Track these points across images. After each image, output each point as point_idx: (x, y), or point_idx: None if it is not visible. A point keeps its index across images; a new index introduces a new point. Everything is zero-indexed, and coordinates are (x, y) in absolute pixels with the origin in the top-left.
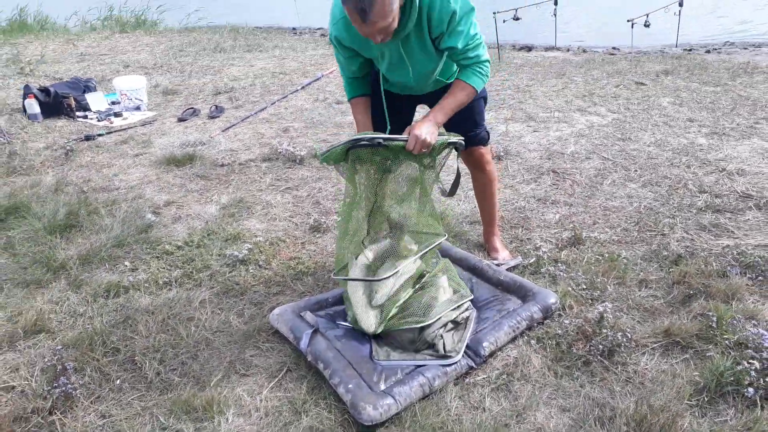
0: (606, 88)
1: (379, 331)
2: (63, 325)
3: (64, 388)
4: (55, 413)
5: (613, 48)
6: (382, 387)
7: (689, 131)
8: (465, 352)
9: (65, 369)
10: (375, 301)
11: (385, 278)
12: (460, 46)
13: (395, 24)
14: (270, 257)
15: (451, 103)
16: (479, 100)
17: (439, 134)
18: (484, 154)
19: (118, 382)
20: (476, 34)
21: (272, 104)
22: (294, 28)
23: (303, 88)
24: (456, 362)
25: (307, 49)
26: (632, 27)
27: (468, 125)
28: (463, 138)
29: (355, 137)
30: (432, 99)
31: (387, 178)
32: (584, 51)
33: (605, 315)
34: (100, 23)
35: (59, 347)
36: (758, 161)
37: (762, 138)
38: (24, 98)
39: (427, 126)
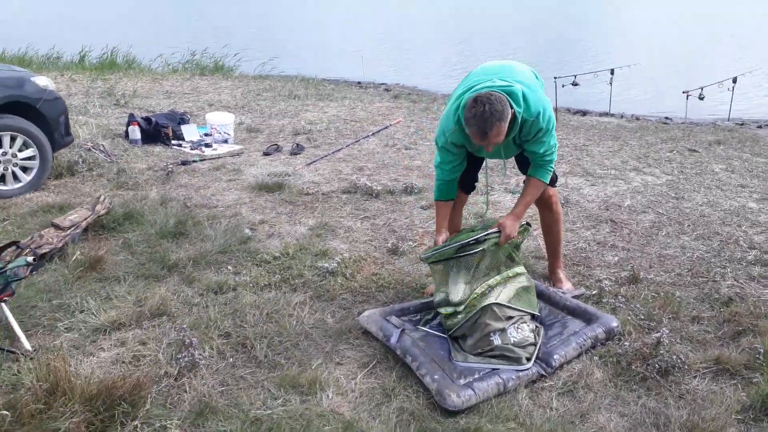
0: (660, 153)
1: (464, 303)
2: (181, 311)
3: (191, 357)
4: (184, 377)
5: (666, 118)
6: (462, 382)
7: (740, 195)
8: (537, 362)
9: (191, 343)
10: (466, 279)
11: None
12: (540, 152)
13: (503, 138)
14: (355, 271)
15: (528, 199)
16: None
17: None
18: (552, 195)
19: (232, 360)
20: (554, 144)
21: (347, 146)
22: (359, 82)
23: (374, 134)
24: (528, 368)
25: (374, 101)
26: (687, 99)
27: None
28: (529, 223)
29: (461, 242)
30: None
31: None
32: (637, 119)
33: (662, 340)
34: (181, 66)
35: (184, 326)
36: None
37: None
38: (128, 125)
39: (513, 222)
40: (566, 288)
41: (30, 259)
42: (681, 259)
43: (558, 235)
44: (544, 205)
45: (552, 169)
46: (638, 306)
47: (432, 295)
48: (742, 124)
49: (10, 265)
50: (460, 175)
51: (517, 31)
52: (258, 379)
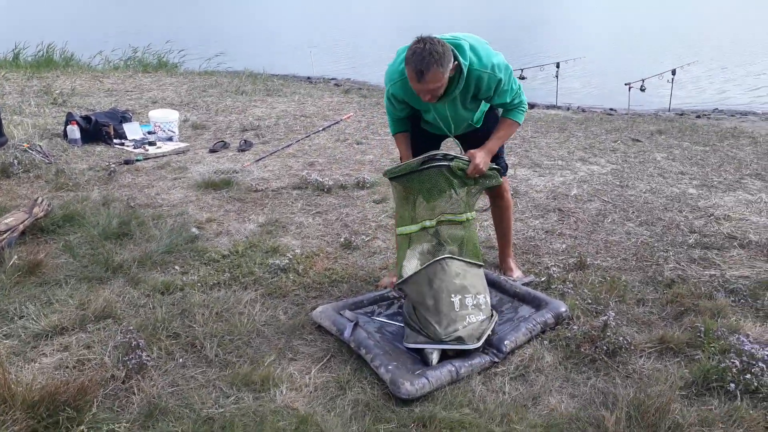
0: (605, 143)
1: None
2: (127, 313)
3: (138, 360)
4: (132, 379)
5: (611, 109)
6: (416, 372)
7: (681, 182)
8: (488, 349)
9: (138, 345)
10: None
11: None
12: (508, 100)
13: (442, 90)
14: (307, 267)
15: (502, 135)
16: None
17: None
18: (503, 182)
19: (181, 360)
20: (518, 85)
21: (297, 141)
22: (309, 77)
23: (324, 129)
24: (476, 348)
25: (324, 96)
26: (629, 90)
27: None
28: (499, 168)
29: (428, 154)
30: (460, 137)
31: (441, 199)
32: (583, 110)
33: (609, 322)
34: (123, 63)
35: (131, 328)
36: (743, 210)
37: (746, 191)
38: (66, 124)
39: (485, 154)
40: (516, 276)
41: None
42: (626, 245)
43: (509, 224)
44: (496, 193)
45: (525, 110)
46: (586, 291)
47: (385, 287)
48: (681, 114)
49: None
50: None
51: (465, 24)
52: (209, 378)
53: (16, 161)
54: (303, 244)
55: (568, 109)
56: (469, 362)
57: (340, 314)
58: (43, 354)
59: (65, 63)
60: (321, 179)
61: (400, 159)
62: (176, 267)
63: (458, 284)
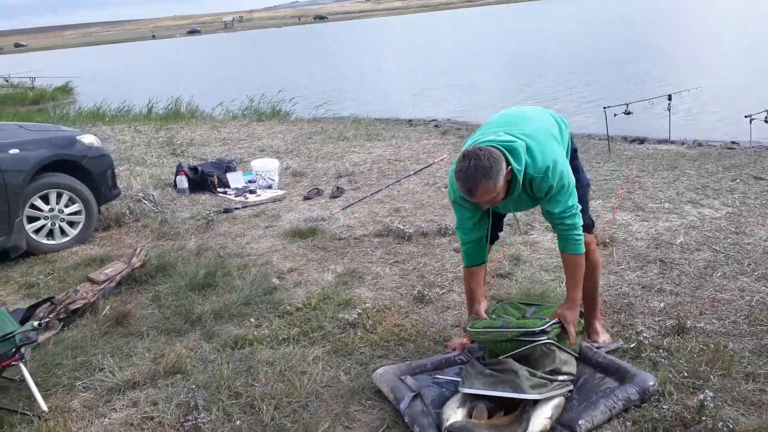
0: (721, 182)
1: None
2: (196, 369)
3: (194, 422)
4: None
5: (732, 142)
6: None
7: None
8: (560, 430)
9: (197, 405)
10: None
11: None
12: (556, 211)
13: (501, 197)
14: (376, 323)
15: (577, 277)
16: (583, 187)
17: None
18: (589, 242)
19: (238, 422)
20: (573, 205)
21: (386, 187)
22: (410, 120)
23: (415, 173)
24: (531, 398)
25: (421, 138)
26: (750, 123)
27: None
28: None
29: (523, 330)
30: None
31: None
32: (699, 144)
33: (706, 403)
34: (241, 113)
35: (193, 387)
36: None
37: None
38: (176, 175)
39: (573, 313)
40: (602, 340)
41: (36, 323)
42: (738, 304)
43: (595, 285)
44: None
45: (580, 237)
46: (682, 361)
47: (454, 349)
48: None
49: (18, 330)
50: None
51: (573, 60)
52: None
53: (128, 211)
54: (376, 296)
55: (683, 143)
56: None
57: (401, 380)
58: (114, 409)
59: (190, 114)
60: (402, 227)
61: (467, 296)
62: (251, 319)
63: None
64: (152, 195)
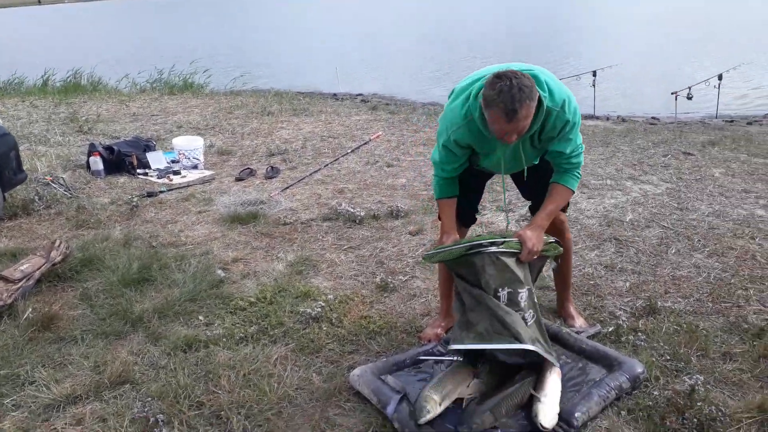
0: (654, 158)
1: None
2: (146, 377)
3: None
4: None
5: (653, 118)
6: None
7: (746, 202)
8: (558, 424)
9: (157, 422)
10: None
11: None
12: (567, 151)
13: (528, 126)
14: (341, 315)
15: (553, 208)
16: None
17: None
18: (564, 221)
19: None
20: (581, 143)
21: (325, 166)
22: (335, 94)
23: (353, 151)
24: (532, 348)
25: (351, 114)
26: (676, 99)
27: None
28: (558, 240)
29: (473, 241)
30: (513, 175)
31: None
32: (624, 120)
33: (696, 388)
34: (150, 86)
35: (147, 398)
36: None
37: None
38: (89, 155)
39: (536, 233)
40: (579, 324)
41: None
42: (697, 281)
43: (569, 267)
44: (556, 231)
45: (579, 175)
46: (661, 343)
47: (429, 341)
48: (731, 122)
49: None
50: (457, 205)
51: (496, 36)
52: None
53: (37, 197)
54: (335, 285)
55: (608, 119)
56: None
57: (382, 380)
58: (54, 429)
59: (92, 87)
60: (352, 209)
61: (441, 228)
62: (200, 317)
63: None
64: (62, 178)
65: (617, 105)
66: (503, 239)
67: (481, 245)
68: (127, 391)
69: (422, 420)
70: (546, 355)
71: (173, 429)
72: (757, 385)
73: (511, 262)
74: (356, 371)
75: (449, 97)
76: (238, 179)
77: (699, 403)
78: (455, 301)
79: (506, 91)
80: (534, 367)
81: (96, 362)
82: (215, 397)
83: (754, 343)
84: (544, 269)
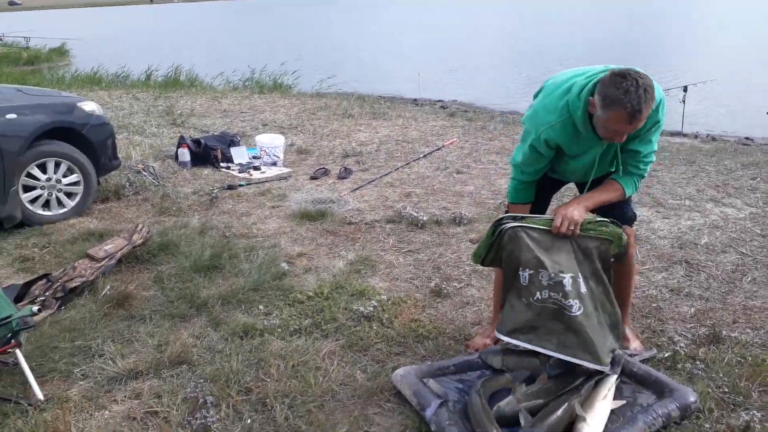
0: (741, 180)
1: None
2: (203, 359)
3: (203, 421)
4: None
5: (746, 138)
6: None
7: None
8: None
9: (205, 402)
10: None
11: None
12: (645, 151)
13: None
14: (393, 316)
15: (601, 197)
16: None
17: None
18: (630, 234)
19: (249, 421)
20: (655, 150)
21: (396, 170)
22: (415, 99)
23: (425, 156)
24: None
25: (428, 119)
26: None
27: (618, 202)
28: (618, 222)
29: (498, 217)
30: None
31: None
32: (713, 139)
33: (752, 425)
34: (242, 84)
35: (200, 380)
36: None
37: None
38: (178, 147)
39: (574, 206)
40: (634, 347)
41: (35, 308)
42: None
43: (630, 287)
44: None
45: (639, 185)
46: (720, 374)
47: (477, 350)
48: None
49: (15, 315)
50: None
51: (584, 48)
52: None
53: (128, 183)
54: (391, 287)
55: (696, 137)
56: None
57: (424, 383)
58: (114, 400)
59: (190, 83)
60: (416, 213)
61: None
62: (260, 306)
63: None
64: (152, 167)
65: (707, 123)
66: (525, 215)
67: (500, 221)
68: (184, 371)
69: None
70: (590, 365)
71: (220, 411)
72: None
73: (532, 242)
74: (400, 371)
75: (537, 94)
76: (313, 178)
77: None
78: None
79: (633, 92)
80: (585, 382)
81: (159, 341)
82: (263, 384)
83: None
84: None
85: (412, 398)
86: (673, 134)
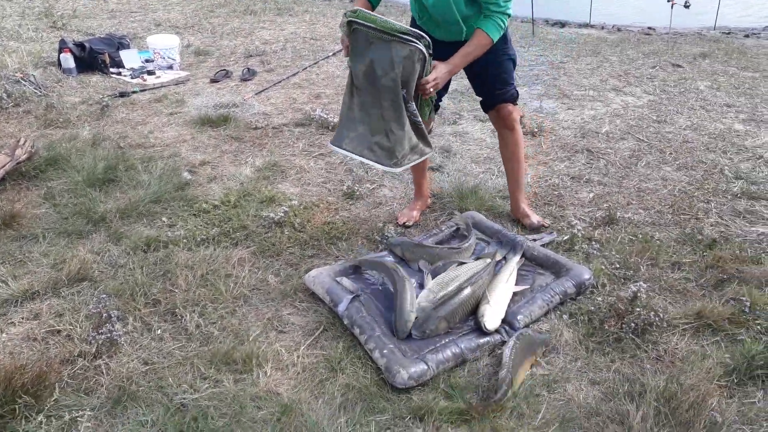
0: (642, 69)
1: None
2: (105, 275)
3: (109, 335)
4: (101, 357)
5: (649, 28)
6: (414, 356)
7: (726, 116)
8: (501, 326)
9: (110, 317)
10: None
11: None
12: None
13: None
14: (305, 221)
15: (468, 50)
16: (507, 60)
17: None
18: (512, 111)
19: (159, 332)
20: None
21: (303, 69)
22: None
23: (334, 54)
24: (392, 170)
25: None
26: (672, 7)
27: (497, 84)
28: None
29: (416, 31)
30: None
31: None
32: (619, 30)
33: (639, 294)
34: None
35: (103, 295)
36: None
37: None
38: (59, 52)
39: (446, 68)
40: (535, 220)
41: None
42: (662, 194)
43: (520, 162)
44: (505, 123)
45: (504, 26)
46: (613, 253)
47: (407, 221)
48: (728, 33)
49: None
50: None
51: None
52: (187, 355)
53: (5, 94)
54: (302, 192)
55: (603, 28)
56: (476, 342)
57: (337, 281)
58: (11, 323)
59: None
60: (326, 116)
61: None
62: (163, 218)
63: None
64: (33, 75)
65: (615, 14)
66: (421, 39)
67: (420, 36)
68: (85, 288)
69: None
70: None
71: (127, 324)
72: (699, 293)
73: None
74: (312, 272)
75: None
76: (213, 81)
77: (639, 309)
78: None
79: None
80: (488, 269)
81: (56, 260)
82: (171, 295)
83: (705, 253)
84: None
85: (325, 296)
86: (581, 26)
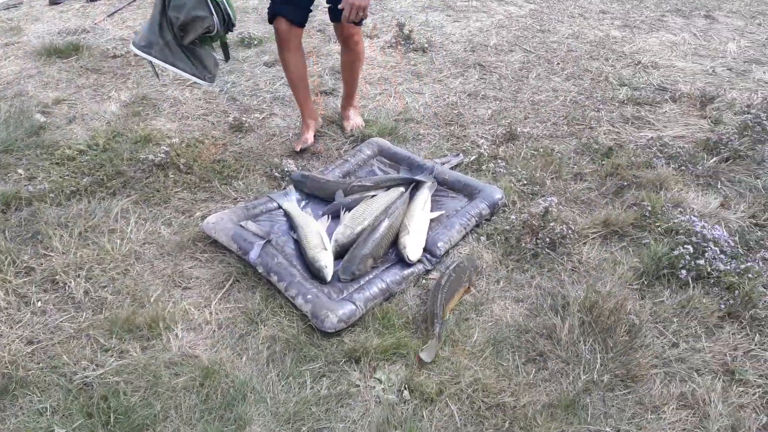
0: None
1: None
2: None
3: None
4: None
5: None
6: (340, 297)
7: (603, 23)
8: (423, 255)
9: None
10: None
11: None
12: None
13: None
14: (190, 160)
15: None
16: None
17: None
18: (354, 33)
19: (39, 304)
20: None
21: None
22: None
23: None
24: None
25: None
26: None
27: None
28: None
29: None
30: None
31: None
32: None
33: (550, 209)
34: None
35: None
36: (668, 54)
37: (668, 31)
38: None
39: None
40: (358, 123)
41: None
42: (555, 105)
43: (357, 73)
44: (346, 42)
45: None
46: (519, 169)
47: (306, 143)
48: None
49: None
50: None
51: None
52: (80, 328)
53: None
54: (181, 128)
55: None
56: (401, 274)
57: (241, 226)
58: None
59: None
60: None
61: None
62: (19, 171)
63: None
64: None
65: None
66: None
67: None
68: None
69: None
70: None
71: None
72: (602, 201)
73: None
74: (211, 219)
75: None
76: (54, 3)
77: (551, 223)
78: None
79: None
80: (403, 198)
81: None
82: (47, 260)
83: (603, 162)
84: None
85: (231, 244)
86: None
